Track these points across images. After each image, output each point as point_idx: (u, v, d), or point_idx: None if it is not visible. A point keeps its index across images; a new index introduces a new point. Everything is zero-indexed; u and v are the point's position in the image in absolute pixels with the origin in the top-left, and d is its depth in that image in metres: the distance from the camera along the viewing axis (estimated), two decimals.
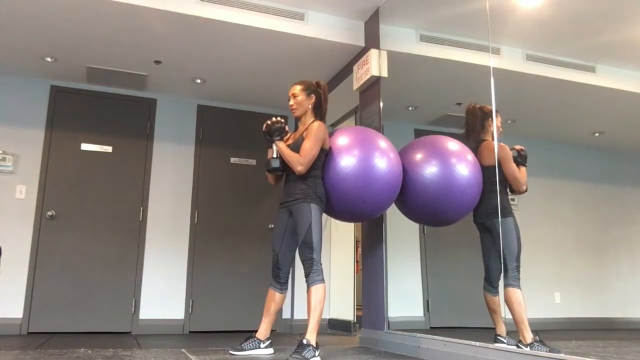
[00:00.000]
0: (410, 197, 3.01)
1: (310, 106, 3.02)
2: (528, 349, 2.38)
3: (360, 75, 3.80)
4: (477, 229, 2.87)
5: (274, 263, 3.01)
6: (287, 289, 3.03)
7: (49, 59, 4.22)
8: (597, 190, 2.95)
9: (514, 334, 2.57)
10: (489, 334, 2.71)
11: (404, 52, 3.60)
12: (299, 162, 2.81)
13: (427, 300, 3.55)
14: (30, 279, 4.30)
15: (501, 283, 2.57)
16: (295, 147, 2.89)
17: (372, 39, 3.80)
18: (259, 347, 2.96)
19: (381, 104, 3.57)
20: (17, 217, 4.36)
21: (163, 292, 4.63)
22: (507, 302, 2.52)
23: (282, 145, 2.90)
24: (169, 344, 3.61)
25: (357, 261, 5.26)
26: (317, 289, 2.72)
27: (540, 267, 2.85)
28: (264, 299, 3.06)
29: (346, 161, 2.89)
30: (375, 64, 3.62)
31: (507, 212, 2.68)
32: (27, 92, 4.58)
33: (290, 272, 3.02)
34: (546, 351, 2.26)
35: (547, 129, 3.07)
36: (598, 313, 2.79)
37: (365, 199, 2.89)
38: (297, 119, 3.08)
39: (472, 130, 2.96)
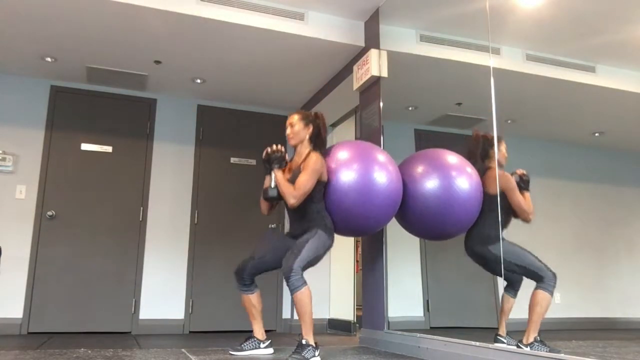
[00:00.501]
0: (411, 210, 3.00)
1: (307, 136, 3.00)
2: (528, 349, 2.38)
3: (360, 75, 3.80)
4: (469, 257, 2.85)
5: (241, 265, 2.96)
6: (256, 287, 2.99)
7: (49, 59, 4.22)
8: (597, 190, 2.94)
9: (514, 334, 2.57)
10: (489, 334, 2.71)
11: (404, 52, 3.60)
12: (292, 194, 2.78)
13: (427, 300, 3.55)
14: (30, 279, 4.30)
15: (525, 286, 2.57)
16: (293, 180, 2.86)
17: (372, 39, 3.80)
18: (259, 347, 2.96)
19: (381, 104, 3.57)
20: (17, 217, 4.36)
21: (163, 292, 4.63)
22: (533, 301, 2.49)
23: (279, 175, 2.86)
24: (169, 344, 3.61)
25: (357, 261, 5.26)
26: (300, 294, 2.62)
27: None
28: (244, 305, 3.02)
29: (346, 176, 2.87)
30: (375, 64, 3.62)
31: (498, 238, 2.67)
32: (27, 92, 4.58)
33: (255, 275, 2.99)
34: (546, 351, 2.26)
35: (547, 129, 3.06)
36: (598, 313, 2.79)
37: (366, 214, 2.88)
38: (293, 148, 3.05)
39: (474, 157, 2.94)
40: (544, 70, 2.83)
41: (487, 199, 2.82)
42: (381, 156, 2.99)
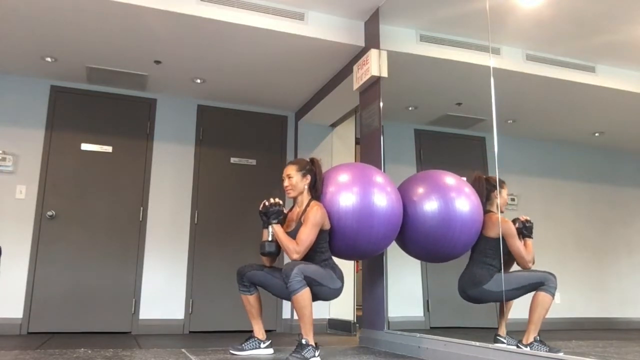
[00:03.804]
0: (410, 233, 2.97)
1: (305, 186, 2.95)
2: (528, 349, 2.38)
3: (360, 75, 3.80)
4: (466, 300, 2.85)
5: (246, 266, 2.98)
6: (255, 289, 2.99)
7: (49, 59, 4.22)
8: (597, 190, 2.94)
9: (514, 334, 2.57)
10: (489, 334, 2.71)
11: (404, 52, 3.60)
12: (295, 250, 2.74)
13: (427, 300, 3.55)
14: (30, 279, 4.30)
15: None
16: (294, 232, 2.83)
17: (372, 39, 3.80)
18: (259, 347, 2.96)
19: (381, 104, 3.57)
20: (17, 217, 4.36)
21: (163, 292, 4.63)
22: (534, 301, 2.49)
23: (278, 229, 2.83)
24: (169, 344, 3.61)
25: (357, 261, 5.26)
26: (300, 296, 2.62)
27: (540, 268, 2.85)
28: (244, 305, 3.02)
29: (345, 200, 2.84)
30: (375, 64, 3.61)
31: (490, 276, 2.67)
32: (27, 92, 4.58)
33: (254, 283, 3.01)
34: (546, 351, 2.27)
35: (547, 129, 3.06)
36: (598, 313, 2.79)
37: (367, 238, 2.85)
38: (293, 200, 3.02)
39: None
40: (544, 70, 2.83)
41: (484, 242, 2.79)
42: (380, 178, 2.94)
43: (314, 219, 2.76)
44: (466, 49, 3.19)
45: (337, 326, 4.68)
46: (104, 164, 4.68)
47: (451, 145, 3.54)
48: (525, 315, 2.50)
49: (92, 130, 4.70)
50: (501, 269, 2.63)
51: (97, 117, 4.74)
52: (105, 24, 3.66)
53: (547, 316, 2.50)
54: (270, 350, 3.00)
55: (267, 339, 3.02)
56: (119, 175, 4.70)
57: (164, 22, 3.62)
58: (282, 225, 2.89)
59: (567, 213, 2.98)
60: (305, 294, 2.62)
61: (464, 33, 3.18)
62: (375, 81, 3.67)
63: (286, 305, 4.95)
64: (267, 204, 2.88)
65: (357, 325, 4.43)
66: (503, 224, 2.70)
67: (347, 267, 4.85)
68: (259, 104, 5.18)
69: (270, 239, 2.86)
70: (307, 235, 2.74)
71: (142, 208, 4.70)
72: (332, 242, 2.92)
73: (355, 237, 2.85)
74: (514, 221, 2.69)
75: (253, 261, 4.87)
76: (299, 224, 2.83)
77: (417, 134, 3.71)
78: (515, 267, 2.69)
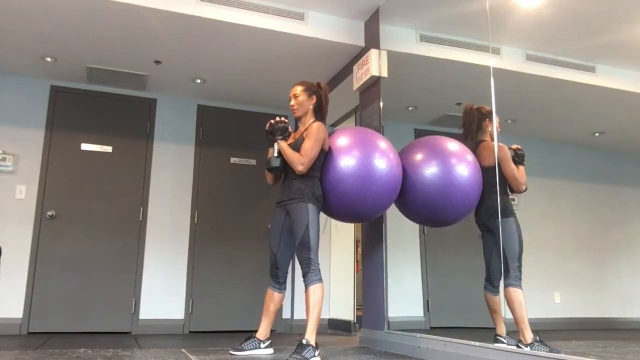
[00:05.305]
0: (411, 197, 3.01)
1: (311, 107, 3.03)
2: (528, 349, 2.38)
3: (360, 75, 3.80)
4: (479, 229, 2.87)
5: (271, 263, 3.01)
6: (285, 288, 3.03)
7: (49, 59, 4.22)
8: (597, 190, 2.94)
9: (514, 334, 2.57)
10: (489, 334, 2.71)
11: (404, 52, 3.60)
12: (300, 161, 2.81)
13: (427, 300, 3.55)
14: (30, 279, 4.30)
15: (502, 283, 2.57)
16: (296, 147, 2.89)
17: (372, 39, 3.80)
18: (259, 347, 2.96)
19: (381, 104, 3.57)
20: (17, 217, 4.36)
21: (163, 292, 4.63)
22: (508, 301, 2.52)
23: (284, 144, 2.90)
24: (169, 344, 3.61)
25: (357, 261, 5.26)
26: (315, 288, 2.72)
27: (540, 267, 2.85)
28: (264, 299, 3.06)
29: (346, 161, 2.89)
30: (375, 64, 3.62)
31: (509, 212, 2.67)
32: (27, 92, 4.58)
33: (290, 271, 3.01)
34: (546, 351, 2.26)
35: (547, 129, 3.06)
36: (598, 313, 2.79)
37: (365, 199, 2.89)
38: (298, 119, 3.08)
39: (470, 131, 2.96)
40: (544, 70, 2.83)
41: (482, 172, 2.84)
42: (382, 143, 3.00)
43: (317, 134, 2.85)
44: (466, 49, 3.19)
45: (337, 326, 4.69)
46: (104, 164, 4.68)
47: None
48: (530, 314, 2.50)
49: (92, 130, 4.70)
50: (507, 195, 2.67)
51: (97, 117, 4.74)
52: (105, 24, 3.66)
53: (547, 316, 2.50)
54: (270, 350, 3.00)
55: (268, 338, 3.02)
56: (119, 175, 4.70)
57: (164, 22, 3.62)
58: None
59: (567, 213, 2.98)
60: (319, 288, 2.73)
61: (464, 33, 3.18)
62: (375, 81, 3.67)
63: (286, 305, 4.95)
64: (272, 122, 2.94)
65: (357, 325, 4.43)
66: (497, 150, 2.73)
67: (347, 267, 4.86)
68: (259, 104, 5.18)
69: (275, 154, 2.90)
70: (312, 147, 2.83)
71: (142, 208, 4.70)
72: (331, 202, 2.94)
73: (354, 197, 2.89)
74: None
75: (253, 259, 4.92)
76: (302, 139, 2.90)
77: (417, 134, 3.70)
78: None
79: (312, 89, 3.05)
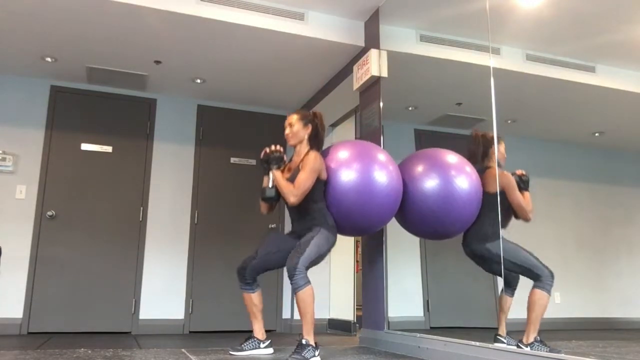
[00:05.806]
0: (410, 210, 2.99)
1: (306, 136, 3.00)
2: (528, 349, 2.38)
3: (360, 75, 3.80)
4: (467, 256, 2.85)
5: (243, 262, 2.96)
6: (258, 286, 2.98)
7: (49, 59, 4.22)
8: (597, 190, 2.94)
9: (514, 334, 2.57)
10: (489, 334, 2.71)
11: (404, 52, 3.60)
12: (292, 193, 2.79)
13: (427, 300, 3.55)
14: (30, 279, 4.30)
15: (522, 285, 2.57)
16: (292, 179, 2.86)
17: (372, 39, 3.80)
18: (259, 347, 2.96)
19: (381, 104, 3.57)
20: (17, 217, 4.36)
21: (163, 292, 4.63)
22: (531, 300, 2.49)
23: (278, 174, 2.87)
24: (169, 344, 3.61)
25: (357, 261, 5.26)
26: (303, 293, 2.63)
27: None
28: (245, 304, 3.02)
29: (346, 176, 2.87)
30: (375, 64, 3.62)
31: (497, 235, 2.67)
32: (27, 92, 4.58)
33: (257, 274, 2.98)
34: (546, 351, 2.26)
35: (547, 129, 3.06)
36: (598, 313, 2.79)
37: (366, 214, 2.88)
38: (293, 148, 3.06)
39: (475, 158, 2.94)
40: (544, 70, 2.83)
41: (487, 198, 2.82)
42: (381, 155, 2.99)
43: (312, 165, 2.82)
44: (466, 49, 3.19)
45: (337, 326, 4.68)
46: (104, 164, 4.68)
47: (451, 146, 3.54)
48: (525, 315, 2.50)
49: (92, 130, 4.70)
50: (504, 225, 2.64)
51: (97, 117, 4.74)
52: (105, 24, 3.66)
53: (547, 316, 2.49)
54: (270, 350, 3.00)
55: (267, 338, 3.02)
56: (119, 175, 4.70)
57: (164, 22, 3.62)
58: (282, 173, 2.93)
59: (567, 213, 2.98)
60: (308, 290, 2.64)
61: (464, 33, 3.18)
62: (375, 81, 3.67)
63: (286, 305, 4.95)
64: (267, 150, 2.93)
65: (357, 325, 4.43)
66: (502, 176, 2.71)
67: (347, 267, 4.86)
68: (259, 104, 5.18)
69: (270, 184, 2.89)
70: (305, 179, 2.79)
71: (142, 208, 4.70)
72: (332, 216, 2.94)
73: (356, 212, 2.88)
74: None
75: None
76: (297, 170, 2.87)
77: (417, 134, 3.70)
78: (510, 236, 2.68)
79: (308, 118, 3.02)
